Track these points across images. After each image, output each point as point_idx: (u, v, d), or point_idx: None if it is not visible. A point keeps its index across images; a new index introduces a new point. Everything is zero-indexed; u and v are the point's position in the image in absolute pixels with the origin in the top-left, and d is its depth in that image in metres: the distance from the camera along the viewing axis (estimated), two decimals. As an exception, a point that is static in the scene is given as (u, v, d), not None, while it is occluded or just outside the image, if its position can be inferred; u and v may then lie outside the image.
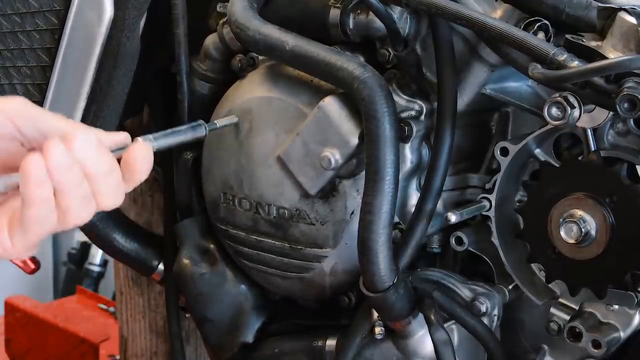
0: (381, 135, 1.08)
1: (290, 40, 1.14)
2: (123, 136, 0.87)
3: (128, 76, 1.29)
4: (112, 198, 0.85)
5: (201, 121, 1.02)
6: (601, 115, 1.07)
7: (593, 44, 1.01)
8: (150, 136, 0.92)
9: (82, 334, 2.22)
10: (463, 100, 1.18)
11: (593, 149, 1.11)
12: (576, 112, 1.03)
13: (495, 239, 1.20)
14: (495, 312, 1.20)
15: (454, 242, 1.23)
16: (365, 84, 1.08)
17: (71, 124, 0.85)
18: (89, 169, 0.82)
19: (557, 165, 1.14)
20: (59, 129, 0.83)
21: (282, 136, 1.22)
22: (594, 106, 1.05)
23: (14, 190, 0.84)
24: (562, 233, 1.11)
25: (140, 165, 0.86)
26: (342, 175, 1.19)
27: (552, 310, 1.20)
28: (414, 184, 1.23)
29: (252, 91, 1.27)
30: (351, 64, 1.10)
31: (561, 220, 1.11)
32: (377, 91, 1.08)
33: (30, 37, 1.33)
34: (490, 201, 1.19)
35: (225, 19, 1.29)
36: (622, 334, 1.15)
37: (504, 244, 1.20)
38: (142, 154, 0.87)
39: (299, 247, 1.25)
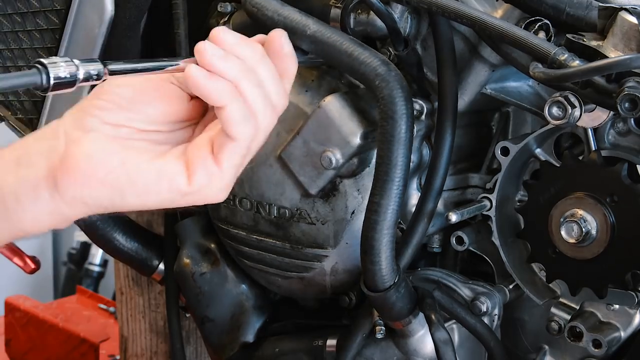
0: (396, 137, 1.06)
1: (312, 25, 1.10)
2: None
3: (128, 76, 1.29)
4: (283, 97, 0.89)
5: None
6: (602, 114, 1.07)
7: (594, 43, 1.01)
8: None
9: (82, 334, 2.21)
10: (464, 100, 1.18)
11: (594, 149, 1.12)
12: (577, 112, 1.03)
13: (495, 239, 1.20)
14: (496, 311, 1.20)
15: (454, 241, 1.23)
16: (387, 83, 1.06)
17: None
18: (261, 73, 0.86)
19: (558, 165, 1.14)
20: None
21: (283, 135, 1.22)
22: (594, 106, 1.06)
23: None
24: (563, 232, 1.11)
25: (289, 53, 0.90)
26: (343, 174, 1.19)
27: (553, 309, 1.20)
28: (414, 184, 1.23)
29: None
30: (375, 60, 1.07)
31: (562, 219, 1.11)
32: (397, 91, 1.06)
33: (31, 37, 1.33)
34: (490, 201, 1.19)
35: (225, 19, 1.29)
36: (623, 334, 1.16)
37: (504, 244, 1.20)
38: (283, 38, 0.90)
39: (300, 246, 1.25)
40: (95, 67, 0.80)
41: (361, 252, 1.11)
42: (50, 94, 1.31)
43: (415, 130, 1.19)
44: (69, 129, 0.83)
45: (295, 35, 1.09)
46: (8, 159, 0.84)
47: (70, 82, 0.78)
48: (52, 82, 0.77)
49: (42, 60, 0.77)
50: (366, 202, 1.18)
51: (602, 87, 0.99)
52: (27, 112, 1.35)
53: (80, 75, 0.79)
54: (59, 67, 0.78)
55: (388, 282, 1.11)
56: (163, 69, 0.85)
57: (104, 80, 0.82)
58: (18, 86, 0.77)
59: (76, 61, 0.79)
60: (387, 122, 1.07)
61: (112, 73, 0.81)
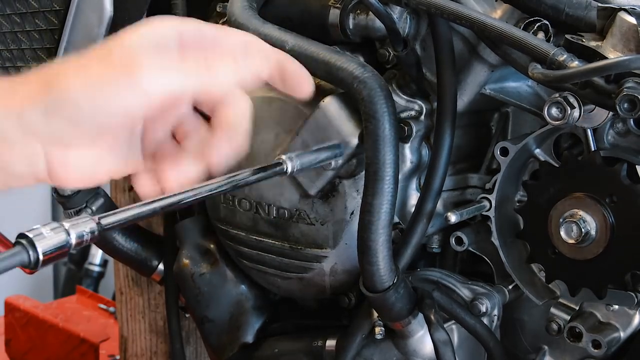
0: (380, 136, 1.08)
1: (290, 40, 1.14)
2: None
3: (128, 76, 1.29)
4: None
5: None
6: (601, 115, 1.07)
7: (593, 44, 1.01)
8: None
9: (82, 334, 2.22)
10: (463, 100, 1.18)
11: (593, 149, 1.11)
12: (576, 112, 1.03)
13: (495, 239, 1.20)
14: (495, 312, 1.20)
15: (454, 242, 1.23)
16: (364, 84, 1.08)
17: None
18: None
19: (557, 165, 1.14)
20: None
21: (282, 136, 1.22)
22: (593, 106, 1.05)
23: None
24: (562, 233, 1.11)
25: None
26: (342, 175, 1.19)
27: (552, 310, 1.20)
28: (414, 184, 1.23)
29: (252, 91, 1.26)
30: (351, 64, 1.10)
31: (561, 220, 1.11)
32: (376, 91, 1.08)
33: (30, 38, 1.33)
34: (490, 201, 1.19)
35: (224, 19, 1.29)
36: (622, 334, 1.15)
37: (504, 244, 1.20)
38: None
39: (299, 247, 1.25)
40: (88, 227, 0.73)
41: (358, 253, 1.11)
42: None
43: (414, 130, 1.19)
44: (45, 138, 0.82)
45: None
46: None
47: (63, 251, 0.71)
48: (40, 258, 0.69)
49: (25, 233, 0.69)
50: (365, 202, 1.18)
51: (601, 88, 0.99)
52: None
53: (73, 241, 0.72)
54: (46, 238, 0.70)
55: (387, 283, 1.10)
56: (157, 212, 0.80)
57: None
58: (2, 270, 0.68)
59: (66, 224, 0.72)
60: (370, 122, 1.08)
61: (106, 229, 0.75)
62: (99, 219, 0.74)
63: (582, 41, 1.01)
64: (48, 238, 0.70)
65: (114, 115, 0.82)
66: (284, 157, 0.99)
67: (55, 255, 0.70)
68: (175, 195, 0.82)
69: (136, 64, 0.82)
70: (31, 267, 0.69)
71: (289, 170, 0.99)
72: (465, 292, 1.20)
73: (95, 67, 0.83)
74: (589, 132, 1.12)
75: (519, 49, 1.03)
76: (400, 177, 1.19)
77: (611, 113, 1.06)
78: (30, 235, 0.69)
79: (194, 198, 0.84)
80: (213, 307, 1.38)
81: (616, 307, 1.16)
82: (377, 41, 1.22)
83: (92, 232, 0.73)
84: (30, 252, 0.69)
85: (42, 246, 0.69)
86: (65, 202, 1.41)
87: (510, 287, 1.23)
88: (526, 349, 1.28)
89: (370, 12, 1.16)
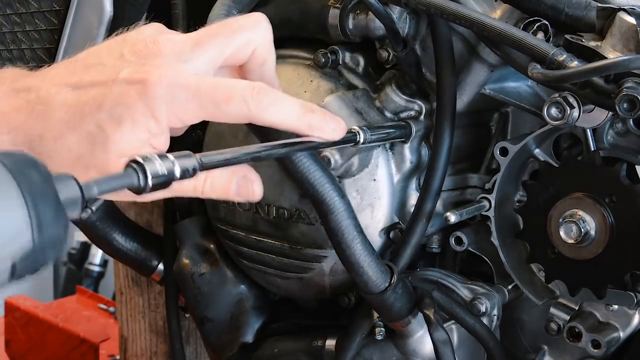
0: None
1: None
2: None
3: (128, 76, 1.29)
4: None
5: None
6: (601, 115, 1.07)
7: (592, 44, 1.01)
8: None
9: (82, 334, 2.22)
10: (462, 100, 1.18)
11: (592, 149, 1.12)
12: (575, 112, 1.03)
13: (494, 239, 1.20)
14: (495, 312, 1.20)
15: (453, 242, 1.23)
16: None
17: None
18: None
19: (557, 165, 1.14)
20: None
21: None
22: (593, 106, 1.06)
23: None
24: (562, 233, 1.11)
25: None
26: (342, 175, 1.19)
27: (552, 310, 1.20)
28: (413, 184, 1.23)
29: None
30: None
31: (561, 220, 1.11)
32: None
33: (30, 38, 1.33)
34: (489, 201, 1.19)
35: (224, 19, 1.29)
36: (622, 334, 1.16)
37: (503, 244, 1.20)
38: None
39: (299, 247, 1.25)
40: (190, 162, 0.75)
41: (345, 268, 1.10)
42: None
43: (414, 130, 1.19)
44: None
45: None
46: None
47: (168, 180, 0.73)
48: (150, 183, 0.72)
49: (136, 158, 0.72)
50: (365, 202, 1.18)
51: (600, 88, 0.99)
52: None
53: (178, 173, 0.74)
54: (155, 166, 0.72)
55: (382, 285, 1.09)
56: (259, 158, 0.84)
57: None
58: (115, 189, 0.70)
59: (170, 156, 0.74)
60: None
61: (204, 167, 0.77)
62: (201, 157, 0.77)
63: (582, 41, 1.01)
64: (157, 165, 0.72)
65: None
66: (356, 127, 0.99)
67: (162, 183, 0.73)
68: (265, 146, 0.86)
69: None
70: (139, 190, 0.72)
71: (361, 140, 0.99)
72: (465, 292, 1.20)
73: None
74: (589, 132, 1.12)
75: (519, 49, 1.03)
76: (400, 177, 1.19)
77: (611, 113, 1.06)
78: (141, 160, 0.72)
79: (280, 153, 0.88)
80: (213, 307, 1.38)
81: (616, 307, 1.16)
82: (376, 41, 1.22)
83: (194, 168, 0.76)
84: (141, 176, 0.71)
85: (151, 172, 0.72)
86: (65, 202, 1.41)
87: (510, 287, 1.23)
88: (526, 349, 1.28)
89: (370, 12, 1.16)
